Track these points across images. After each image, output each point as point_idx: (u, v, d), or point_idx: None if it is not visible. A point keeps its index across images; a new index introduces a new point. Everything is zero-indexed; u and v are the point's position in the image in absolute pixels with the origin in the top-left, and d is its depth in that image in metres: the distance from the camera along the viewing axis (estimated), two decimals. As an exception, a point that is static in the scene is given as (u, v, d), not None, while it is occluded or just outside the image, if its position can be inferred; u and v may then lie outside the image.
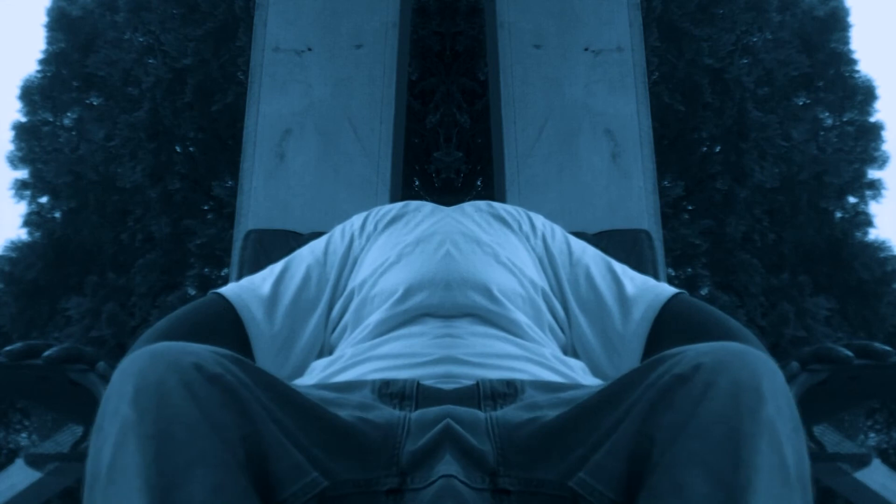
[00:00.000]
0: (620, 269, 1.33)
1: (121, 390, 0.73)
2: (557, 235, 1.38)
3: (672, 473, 0.70)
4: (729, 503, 0.67)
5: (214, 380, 0.74)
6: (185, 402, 0.72)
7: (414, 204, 1.43)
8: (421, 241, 1.28)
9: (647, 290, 1.28)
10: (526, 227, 1.38)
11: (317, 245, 1.37)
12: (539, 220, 1.43)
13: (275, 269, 1.34)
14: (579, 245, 1.37)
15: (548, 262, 1.32)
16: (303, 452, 0.75)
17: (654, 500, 0.70)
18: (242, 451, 0.72)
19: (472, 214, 1.38)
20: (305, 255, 1.35)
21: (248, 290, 1.29)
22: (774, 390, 0.73)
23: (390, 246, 1.29)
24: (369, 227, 1.38)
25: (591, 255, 1.35)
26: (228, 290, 1.30)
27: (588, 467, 0.75)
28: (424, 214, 1.38)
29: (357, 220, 1.42)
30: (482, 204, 1.44)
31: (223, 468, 0.70)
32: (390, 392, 0.92)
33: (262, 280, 1.31)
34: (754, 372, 0.74)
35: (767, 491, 0.68)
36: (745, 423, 0.70)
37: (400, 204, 1.44)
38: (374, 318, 1.17)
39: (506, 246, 1.30)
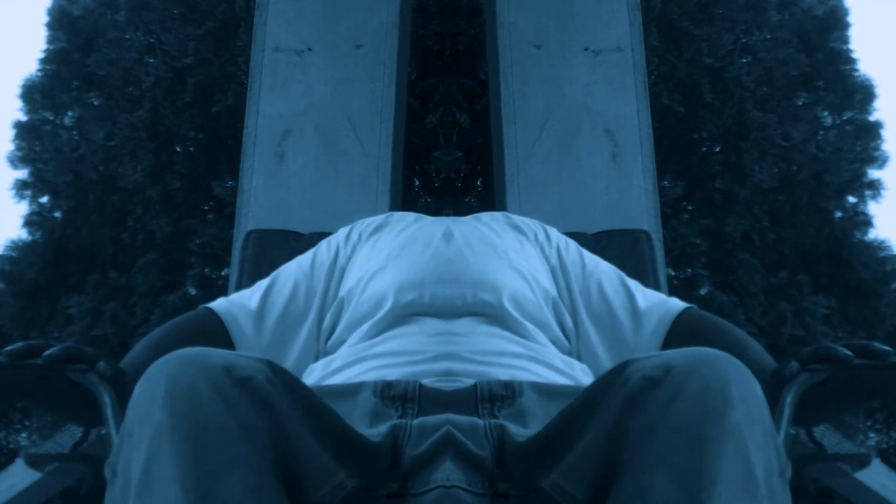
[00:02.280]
0: (633, 284, 1.34)
1: (151, 395, 0.73)
2: (571, 248, 1.40)
3: (638, 477, 0.70)
4: None
5: (244, 383, 0.75)
6: (216, 407, 0.72)
7: (397, 214, 1.46)
8: (406, 245, 1.30)
9: (659, 304, 1.29)
10: (541, 237, 1.40)
11: (303, 259, 1.38)
12: (554, 232, 1.44)
13: (262, 283, 1.35)
14: (592, 259, 1.39)
15: (561, 272, 1.33)
16: (328, 455, 0.76)
17: (620, 502, 0.70)
18: (273, 453, 0.73)
19: (488, 222, 1.40)
20: (293, 269, 1.36)
21: (237, 304, 1.31)
22: (744, 396, 0.73)
23: (376, 253, 1.31)
24: (353, 237, 1.39)
25: (603, 269, 1.36)
26: (218, 304, 1.31)
27: (560, 469, 0.75)
28: (408, 223, 1.40)
29: (342, 232, 1.43)
30: (498, 214, 1.46)
31: (256, 471, 0.71)
32: (392, 394, 0.93)
33: (251, 295, 1.33)
34: (724, 377, 0.73)
35: (730, 495, 0.68)
36: (710, 428, 0.70)
37: (383, 215, 1.47)
38: (367, 322, 1.17)
39: (520, 252, 1.31)
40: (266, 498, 0.70)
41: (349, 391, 0.96)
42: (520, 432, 0.83)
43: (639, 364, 0.76)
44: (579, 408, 0.79)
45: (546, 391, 0.96)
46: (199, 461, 0.69)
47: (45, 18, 4.44)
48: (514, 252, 1.30)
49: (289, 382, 0.79)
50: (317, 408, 0.79)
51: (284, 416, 0.75)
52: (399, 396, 0.92)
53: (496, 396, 0.93)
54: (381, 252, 1.30)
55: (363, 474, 0.78)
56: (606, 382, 0.78)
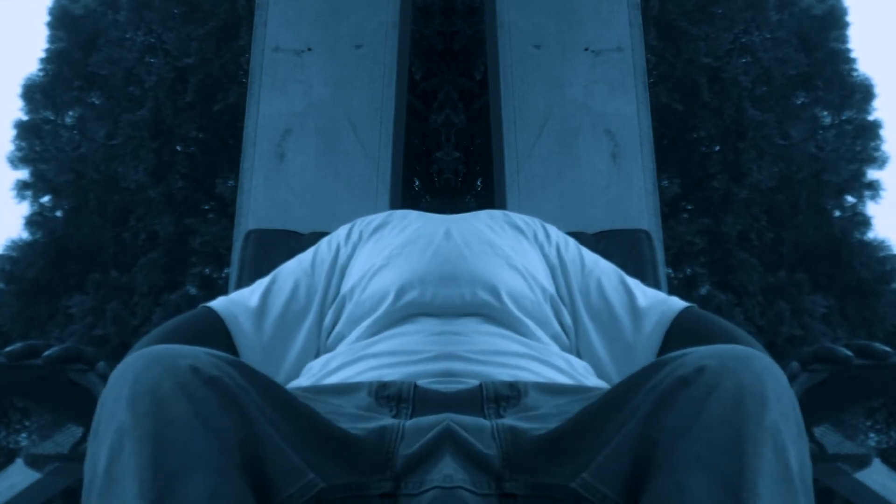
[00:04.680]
0: (633, 282, 1.34)
1: (117, 394, 0.73)
2: (571, 247, 1.39)
3: (675, 475, 0.70)
4: None
5: (211, 382, 0.74)
6: (181, 406, 0.71)
7: (399, 212, 1.45)
8: (408, 243, 1.29)
9: (659, 302, 1.29)
10: (541, 236, 1.39)
11: (304, 257, 1.38)
12: (553, 230, 1.43)
13: (262, 282, 1.34)
14: (592, 257, 1.38)
15: (560, 271, 1.33)
16: (298, 455, 0.75)
17: (656, 502, 0.70)
18: (239, 453, 0.72)
19: (486, 220, 1.39)
20: (293, 268, 1.35)
21: (236, 303, 1.30)
22: (779, 395, 0.73)
23: (378, 251, 1.30)
24: (354, 236, 1.38)
25: (603, 268, 1.36)
26: (218, 303, 1.31)
27: (591, 469, 0.75)
28: (410, 220, 1.39)
29: (342, 230, 1.42)
30: (497, 213, 1.45)
31: (220, 471, 0.70)
32: (387, 395, 0.93)
33: (251, 293, 1.32)
34: (759, 376, 0.73)
35: (772, 496, 0.68)
36: (748, 427, 0.70)
37: (384, 213, 1.45)
38: (367, 320, 1.17)
39: (518, 251, 1.31)
40: (229, 497, 0.69)
41: (345, 390, 0.96)
42: (532, 427, 0.83)
43: (671, 365, 0.76)
44: (605, 407, 0.79)
45: (550, 390, 0.96)
46: (160, 461, 0.69)
47: (46, 18, 4.45)
48: (511, 250, 1.29)
49: (259, 383, 0.78)
50: (291, 408, 0.78)
51: (253, 415, 0.74)
52: (393, 397, 0.92)
53: (501, 397, 0.92)
54: (384, 250, 1.29)
55: (349, 472, 0.77)
56: (636, 382, 0.78)
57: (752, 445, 0.69)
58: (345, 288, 1.27)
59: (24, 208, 4.24)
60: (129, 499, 0.67)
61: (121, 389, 0.73)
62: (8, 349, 1.09)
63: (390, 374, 1.02)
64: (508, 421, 0.85)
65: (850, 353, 1.05)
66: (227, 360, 0.78)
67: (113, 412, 0.72)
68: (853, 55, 4.59)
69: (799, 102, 4.54)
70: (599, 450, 0.75)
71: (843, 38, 4.61)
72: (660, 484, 0.70)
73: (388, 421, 0.85)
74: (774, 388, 0.73)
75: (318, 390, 0.97)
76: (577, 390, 0.97)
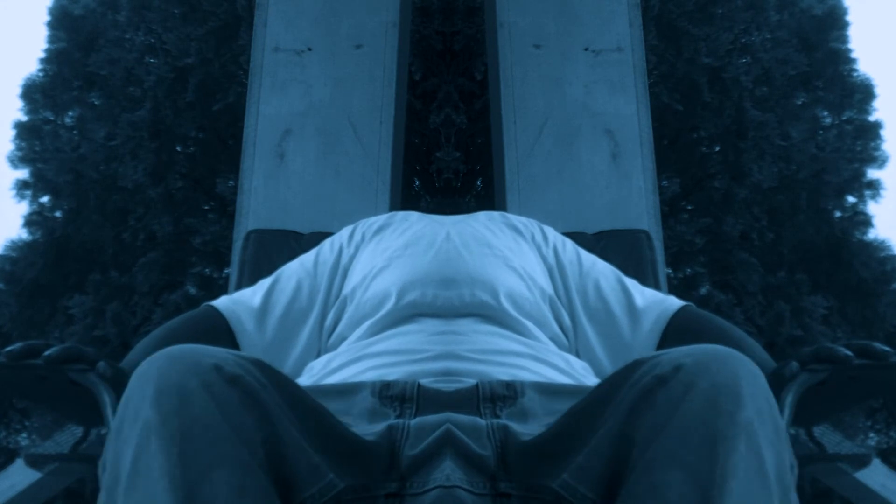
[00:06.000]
0: (631, 282, 1.35)
1: (141, 393, 0.73)
2: (569, 248, 1.40)
3: (649, 474, 0.70)
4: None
5: (233, 381, 0.75)
6: (205, 404, 0.72)
7: (400, 214, 1.46)
8: (410, 244, 1.30)
9: (657, 302, 1.29)
10: (538, 237, 1.40)
11: (306, 258, 1.39)
12: (551, 232, 1.44)
13: (265, 282, 1.35)
14: (590, 258, 1.39)
15: (558, 271, 1.34)
16: (318, 455, 0.76)
17: (631, 500, 0.70)
18: (263, 451, 0.72)
19: (485, 222, 1.40)
20: (295, 268, 1.36)
21: (239, 302, 1.31)
22: (754, 393, 0.73)
23: (380, 252, 1.31)
24: (357, 237, 1.40)
25: (601, 268, 1.36)
26: (221, 302, 1.31)
27: (570, 469, 0.75)
28: (412, 222, 1.40)
29: (345, 231, 1.44)
30: (496, 214, 1.46)
31: (245, 469, 0.71)
32: (391, 394, 0.93)
33: (253, 293, 1.33)
34: (734, 374, 0.74)
35: (743, 492, 0.68)
36: (722, 425, 0.70)
37: (386, 215, 1.47)
38: (369, 320, 1.18)
39: (516, 251, 1.31)
40: (254, 496, 0.70)
41: (348, 390, 0.96)
42: (524, 431, 0.83)
43: (649, 364, 0.77)
44: (587, 407, 0.79)
45: (547, 390, 0.96)
46: (186, 458, 0.69)
47: (46, 18, 4.45)
48: (509, 251, 1.30)
49: (279, 381, 0.79)
50: (309, 407, 0.79)
51: (274, 414, 0.75)
52: (397, 397, 0.93)
53: (498, 396, 0.93)
54: (385, 251, 1.30)
55: (358, 474, 0.77)
56: (615, 382, 0.78)
57: (725, 443, 0.70)
58: (346, 289, 1.28)
59: (24, 208, 4.25)
60: (158, 494, 0.68)
61: (145, 388, 0.74)
62: (8, 349, 1.09)
63: (391, 374, 1.02)
64: (504, 421, 0.85)
65: (850, 353, 1.05)
66: (248, 358, 0.79)
67: (138, 410, 0.72)
68: (853, 55, 4.59)
69: (799, 102, 4.54)
70: (581, 449, 0.76)
71: (843, 39, 4.61)
72: (635, 482, 0.71)
73: (393, 420, 0.85)
74: (751, 387, 0.73)
75: (321, 391, 0.97)
76: (576, 391, 0.97)
